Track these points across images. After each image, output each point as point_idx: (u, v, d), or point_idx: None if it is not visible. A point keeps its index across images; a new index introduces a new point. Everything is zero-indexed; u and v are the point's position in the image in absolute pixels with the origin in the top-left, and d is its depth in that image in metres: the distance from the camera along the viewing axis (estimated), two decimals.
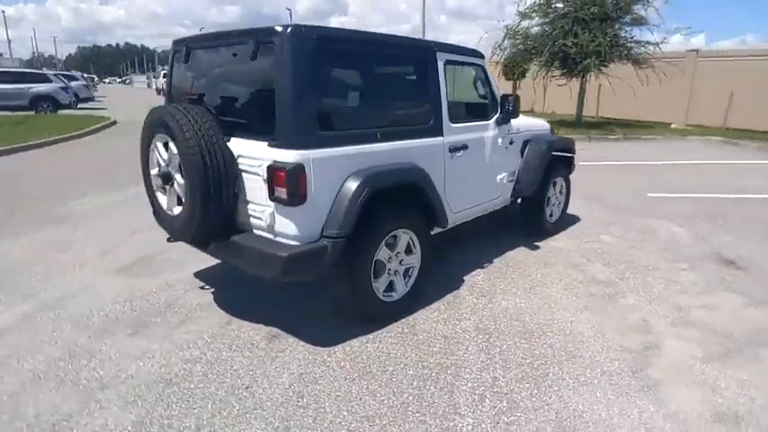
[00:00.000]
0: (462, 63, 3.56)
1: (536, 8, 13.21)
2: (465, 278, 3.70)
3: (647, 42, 12.63)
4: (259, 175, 2.54)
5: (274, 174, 2.44)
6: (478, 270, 3.86)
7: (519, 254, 4.24)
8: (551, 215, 4.73)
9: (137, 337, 2.88)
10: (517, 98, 3.74)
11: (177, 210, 2.80)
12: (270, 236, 2.63)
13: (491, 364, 2.61)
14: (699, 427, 2.15)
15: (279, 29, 2.43)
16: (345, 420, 2.19)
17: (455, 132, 3.37)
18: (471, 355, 2.70)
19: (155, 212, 3.06)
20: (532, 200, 4.40)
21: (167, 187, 2.84)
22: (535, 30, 13.47)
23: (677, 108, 14.44)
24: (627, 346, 2.78)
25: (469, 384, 2.43)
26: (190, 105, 2.70)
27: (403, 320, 3.05)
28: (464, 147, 3.46)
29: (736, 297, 3.40)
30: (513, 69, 15.92)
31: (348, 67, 2.90)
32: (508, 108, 3.78)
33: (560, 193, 4.82)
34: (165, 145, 2.76)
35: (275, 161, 2.44)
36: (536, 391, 2.38)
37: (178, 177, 2.71)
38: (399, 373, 2.53)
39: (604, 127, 13.81)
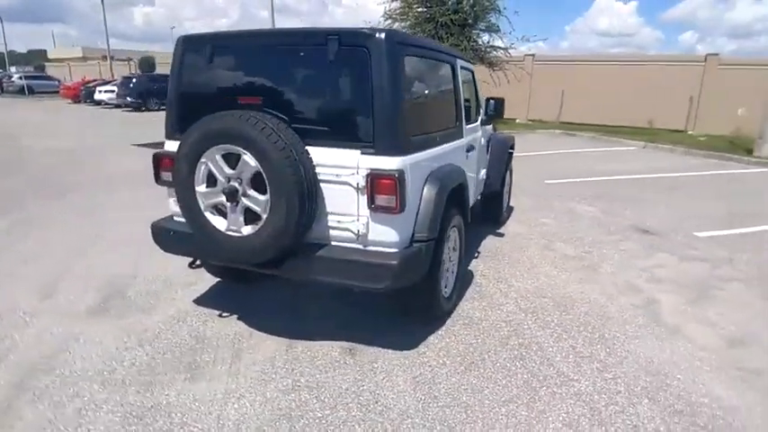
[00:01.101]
0: (464, 68, 3.88)
1: (398, 11, 14.38)
2: (470, 269, 4.05)
3: (498, 47, 14.69)
4: (349, 184, 2.48)
5: (377, 182, 2.42)
6: (474, 261, 4.24)
7: (494, 242, 4.75)
8: (507, 204, 5.39)
9: (200, 381, 2.54)
10: (502, 101, 4.22)
11: (248, 229, 2.54)
12: (357, 246, 2.58)
13: (559, 335, 3.01)
14: (725, 352, 2.86)
15: (373, 33, 2.42)
16: (494, 409, 2.33)
17: (468, 134, 3.69)
18: (537, 331, 3.06)
19: (199, 236, 2.70)
20: (496, 193, 4.96)
21: (230, 205, 2.55)
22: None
23: (521, 105, 17.05)
24: (635, 304, 3.46)
25: (558, 355, 2.79)
26: (257, 112, 2.48)
27: (455, 314, 3.26)
28: (472, 147, 3.79)
29: (670, 256, 4.43)
30: None
31: (422, 72, 2.99)
32: (490, 110, 4.24)
33: (509, 184, 5.51)
34: (227, 157, 2.49)
35: (377, 169, 2.42)
36: (608, 349, 2.86)
37: (253, 193, 2.47)
38: (496, 358, 2.76)
39: None
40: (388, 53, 2.41)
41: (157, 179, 2.99)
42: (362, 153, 2.46)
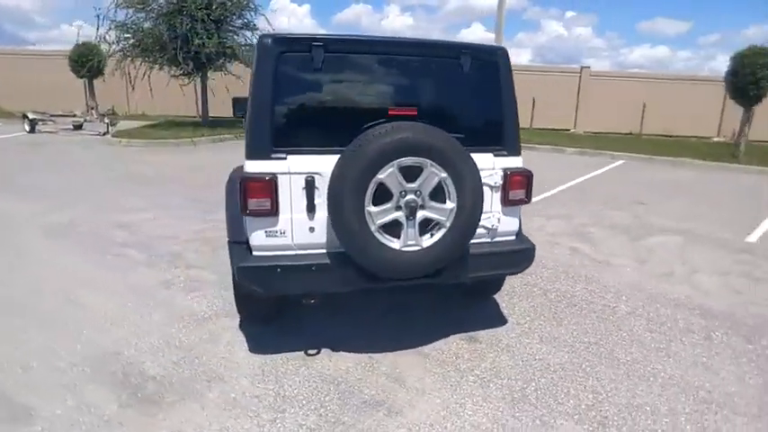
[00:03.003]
0: None
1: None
2: None
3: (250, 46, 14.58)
4: (487, 184, 2.77)
5: (513, 179, 2.83)
6: None
7: None
8: None
9: (391, 416, 2.41)
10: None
11: (428, 241, 2.52)
12: (487, 239, 2.91)
13: (629, 312, 3.96)
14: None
15: (501, 49, 2.75)
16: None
17: None
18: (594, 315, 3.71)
19: (364, 259, 2.50)
20: None
21: (406, 221, 2.45)
22: (147, 24, 12.84)
23: None
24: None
25: (622, 346, 3.13)
26: (422, 123, 2.47)
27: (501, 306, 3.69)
28: None
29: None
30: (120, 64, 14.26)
31: None
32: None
33: None
34: (404, 170, 2.42)
35: (511, 168, 2.83)
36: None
37: (434, 203, 2.50)
38: (583, 347, 3.13)
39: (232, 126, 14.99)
40: (509, 66, 2.82)
41: (245, 209, 2.49)
42: (495, 155, 2.82)
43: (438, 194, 2.52)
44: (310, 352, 2.95)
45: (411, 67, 2.73)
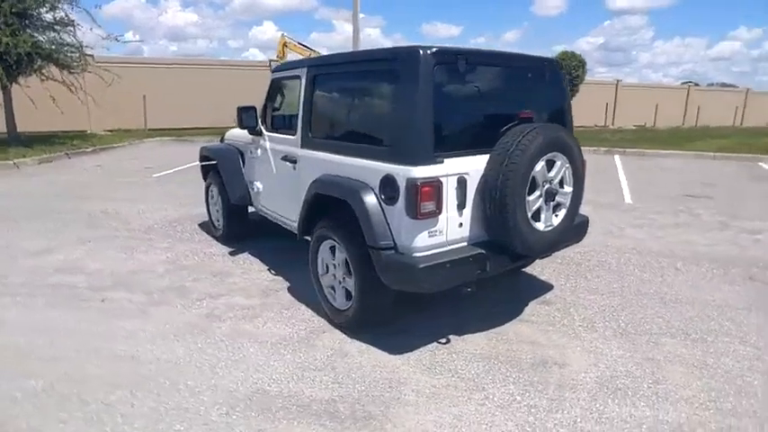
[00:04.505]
0: None
1: None
2: None
3: (72, 45, 12.41)
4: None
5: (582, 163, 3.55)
6: None
7: None
8: None
9: (563, 367, 2.94)
10: None
11: (557, 220, 3.05)
12: None
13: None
14: None
15: (557, 60, 3.41)
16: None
17: None
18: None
19: (520, 243, 2.88)
20: None
21: (545, 205, 2.95)
22: None
23: (98, 114, 15.05)
24: None
25: (639, 285, 4.78)
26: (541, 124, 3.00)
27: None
28: None
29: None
30: None
31: None
32: None
33: None
34: (547, 164, 2.90)
35: None
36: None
37: (564, 189, 3.05)
38: (617, 290, 4.27)
39: (50, 142, 12.52)
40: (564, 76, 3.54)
41: (417, 213, 2.68)
42: None
43: (562, 181, 3.10)
44: (442, 341, 3.21)
45: (520, 75, 3.24)
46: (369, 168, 2.92)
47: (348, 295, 3.26)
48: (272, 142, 4.10)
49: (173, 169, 9.72)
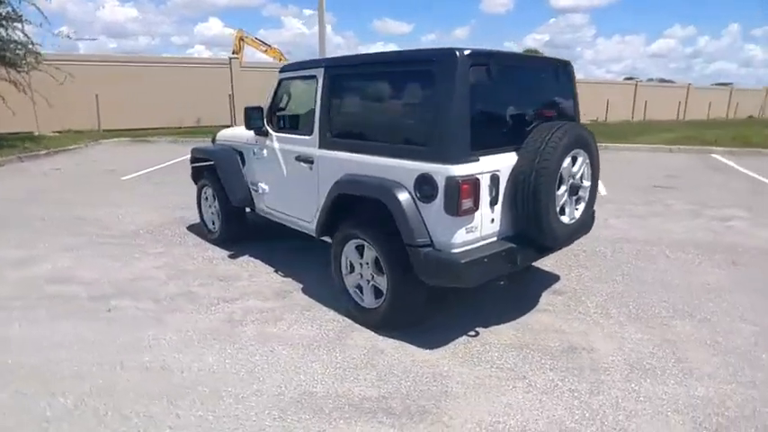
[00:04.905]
0: None
1: None
2: None
3: (19, 42, 11.66)
4: None
5: None
6: None
7: None
8: None
9: (593, 352, 3.13)
10: None
11: (577, 213, 3.23)
12: None
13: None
14: None
15: (569, 62, 3.58)
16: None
17: None
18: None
19: (549, 236, 3.04)
20: None
21: (569, 199, 3.10)
22: None
23: (46, 115, 14.16)
24: None
25: (632, 269, 5.00)
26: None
27: None
28: None
29: None
30: None
31: None
32: None
33: None
34: (573, 159, 3.05)
35: None
36: None
37: (585, 183, 3.22)
38: (619, 277, 4.62)
39: None
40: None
41: (459, 210, 2.77)
42: None
43: (582, 176, 3.26)
44: (470, 334, 3.31)
45: (540, 76, 3.39)
46: (402, 168, 2.97)
47: (377, 294, 3.30)
48: (281, 143, 4.05)
49: (140, 172, 9.35)
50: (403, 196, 2.92)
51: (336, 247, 3.49)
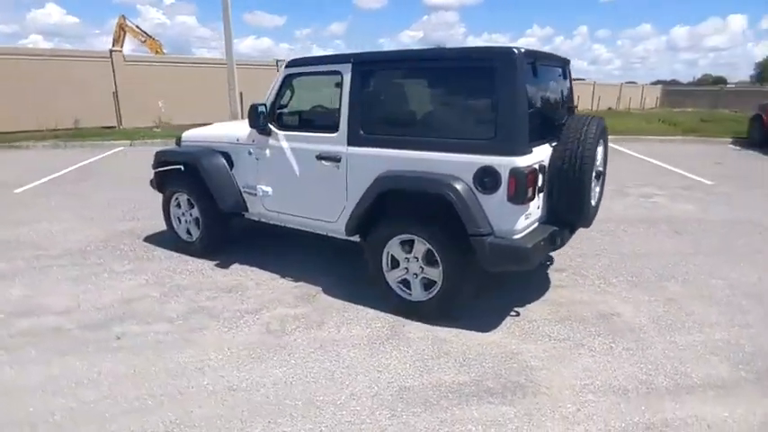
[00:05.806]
0: None
1: None
2: None
3: None
4: None
5: None
6: None
7: None
8: None
9: (616, 336, 3.60)
10: None
11: (597, 196, 3.66)
12: None
13: None
14: None
15: (567, 60, 4.01)
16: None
17: None
18: None
19: (585, 216, 3.43)
20: None
21: (595, 182, 3.52)
22: None
23: None
24: None
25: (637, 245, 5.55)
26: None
27: None
28: None
29: None
30: None
31: None
32: None
33: None
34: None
35: None
36: None
37: (602, 168, 3.68)
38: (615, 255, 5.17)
39: None
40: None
41: (523, 198, 3.04)
42: None
43: (602, 162, 3.71)
44: (512, 314, 3.58)
45: (558, 72, 3.78)
46: (458, 161, 3.12)
47: (426, 286, 3.42)
48: (292, 141, 3.92)
49: (36, 182, 8.09)
50: (464, 189, 3.09)
51: (376, 245, 3.52)
